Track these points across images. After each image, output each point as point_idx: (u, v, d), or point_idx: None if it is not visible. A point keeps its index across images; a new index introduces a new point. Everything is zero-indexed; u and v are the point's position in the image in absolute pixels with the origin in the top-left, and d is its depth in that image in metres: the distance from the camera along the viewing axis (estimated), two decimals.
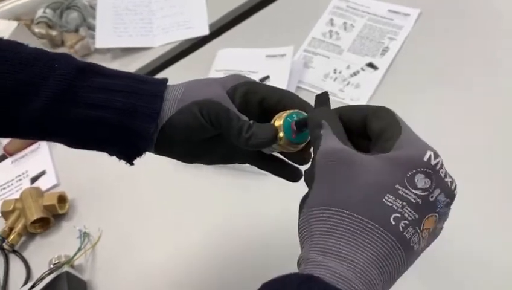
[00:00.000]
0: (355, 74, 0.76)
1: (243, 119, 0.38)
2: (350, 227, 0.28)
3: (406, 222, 0.28)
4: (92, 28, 0.95)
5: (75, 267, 0.64)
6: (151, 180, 0.71)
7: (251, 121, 0.38)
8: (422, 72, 0.73)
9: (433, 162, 0.28)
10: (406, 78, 0.73)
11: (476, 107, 0.67)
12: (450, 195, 0.29)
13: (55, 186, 0.75)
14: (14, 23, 0.83)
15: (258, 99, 0.40)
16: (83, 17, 0.95)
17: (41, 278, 0.60)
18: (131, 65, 0.88)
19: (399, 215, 0.28)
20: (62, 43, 0.95)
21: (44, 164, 0.78)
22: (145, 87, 0.39)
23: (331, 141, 0.31)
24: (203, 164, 0.44)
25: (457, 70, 0.72)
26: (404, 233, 0.28)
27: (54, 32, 0.95)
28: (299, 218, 0.31)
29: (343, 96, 0.74)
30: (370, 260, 0.27)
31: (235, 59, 0.82)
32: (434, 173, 0.29)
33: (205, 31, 0.91)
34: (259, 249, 0.60)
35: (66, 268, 0.61)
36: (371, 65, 0.76)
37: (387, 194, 0.28)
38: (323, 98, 0.35)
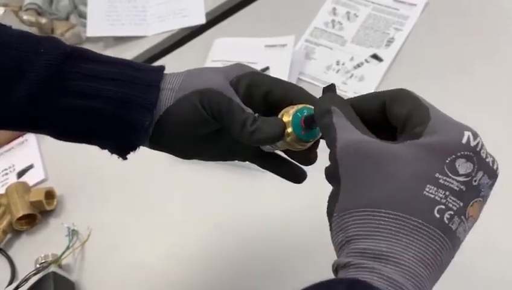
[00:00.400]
0: (359, 65, 0.74)
1: (247, 112, 0.36)
2: (392, 227, 0.26)
3: (451, 212, 0.26)
4: (83, 15, 0.92)
5: (62, 267, 0.63)
6: (144, 176, 0.69)
7: (256, 114, 0.36)
8: (429, 64, 0.71)
9: (472, 143, 0.27)
10: (412, 70, 0.71)
11: (484, 98, 0.65)
12: (493, 175, 0.28)
13: (42, 181, 0.73)
14: (1, 9, 0.80)
15: (262, 93, 0.38)
16: (74, 5, 0.93)
17: (26, 279, 0.58)
18: (123, 55, 0.86)
19: (443, 207, 0.26)
20: (52, 32, 0.92)
21: (32, 157, 0.76)
22: (140, 76, 0.37)
23: (349, 132, 0.29)
24: (202, 160, 0.43)
25: (465, 62, 0.70)
26: (450, 225, 0.26)
27: (43, 20, 0.91)
28: (331, 223, 0.29)
29: (346, 89, 0.72)
30: (418, 259, 0.26)
31: (233, 49, 0.80)
32: (475, 155, 0.27)
33: (202, 20, 0.89)
34: (259, 251, 0.59)
35: (52, 268, 0.59)
36: (375, 57, 0.74)
37: (428, 185, 0.26)
38: (330, 90, 0.33)
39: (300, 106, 0.36)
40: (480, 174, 0.27)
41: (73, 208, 0.69)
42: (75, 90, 0.36)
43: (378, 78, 0.71)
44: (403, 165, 0.27)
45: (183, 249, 0.61)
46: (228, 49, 0.80)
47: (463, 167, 0.26)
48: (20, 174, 0.75)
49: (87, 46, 0.88)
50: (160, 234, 0.63)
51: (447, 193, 0.26)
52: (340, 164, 0.28)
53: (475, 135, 0.27)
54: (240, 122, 0.35)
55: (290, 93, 0.37)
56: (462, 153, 0.27)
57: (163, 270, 0.60)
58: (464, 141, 0.27)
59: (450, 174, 0.26)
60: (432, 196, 0.26)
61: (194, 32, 0.89)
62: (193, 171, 0.65)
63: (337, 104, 0.30)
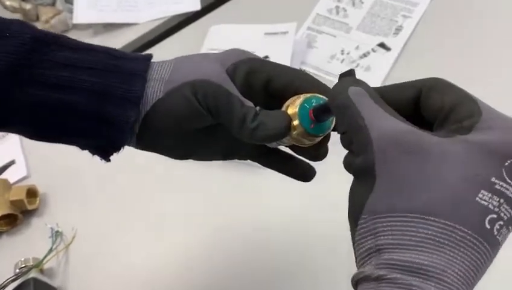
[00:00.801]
0: (365, 55, 0.71)
1: (247, 105, 0.33)
2: (436, 237, 0.23)
3: (501, 222, 0.24)
4: (69, 1, 0.89)
5: (44, 272, 0.60)
6: (136, 172, 0.66)
7: (257, 108, 0.33)
8: (440, 53, 0.68)
9: None
10: (423, 60, 0.68)
11: (504, 88, 0.61)
12: None
13: (24, 178, 0.71)
14: None
15: (263, 81, 0.34)
16: None
17: (3, 286, 0.56)
18: (113, 43, 0.82)
19: (495, 216, 0.23)
20: (37, 18, 0.90)
21: (14, 152, 0.73)
22: (122, 64, 0.34)
23: (383, 119, 0.25)
24: (197, 160, 0.40)
25: (478, 50, 0.66)
26: (498, 236, 0.24)
27: (27, 6, 0.90)
28: (357, 226, 0.26)
29: None
30: (461, 276, 0.23)
31: (230, 37, 0.77)
32: None
33: (196, 6, 0.86)
34: (260, 254, 0.56)
35: (33, 273, 0.57)
36: (382, 45, 0.71)
37: (482, 191, 0.23)
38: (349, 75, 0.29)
39: (307, 95, 0.32)
40: None
41: (58, 207, 0.66)
42: (46, 82, 0.33)
43: (386, 68, 0.68)
44: (453, 164, 0.24)
45: (178, 252, 0.58)
46: (225, 37, 0.77)
47: None
48: (1, 170, 0.72)
49: (74, 33, 0.88)
50: (152, 235, 0.61)
51: (502, 201, 0.23)
52: (377, 157, 0.25)
53: None
54: (240, 118, 0.32)
55: (294, 80, 0.34)
56: None
57: (155, 275, 0.57)
58: None
59: (508, 180, 0.23)
60: (486, 203, 0.23)
61: (188, 19, 0.86)
62: (188, 168, 0.60)
63: (361, 87, 0.27)
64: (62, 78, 0.33)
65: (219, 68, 0.34)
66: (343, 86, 0.27)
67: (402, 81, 0.29)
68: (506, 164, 0.23)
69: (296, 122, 0.31)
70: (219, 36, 0.78)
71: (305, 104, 0.31)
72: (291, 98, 0.33)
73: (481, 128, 0.24)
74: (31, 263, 0.58)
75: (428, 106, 0.27)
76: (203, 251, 0.58)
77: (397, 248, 0.24)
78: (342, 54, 0.72)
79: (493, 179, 0.23)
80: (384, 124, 0.25)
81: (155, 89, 0.34)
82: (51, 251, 0.60)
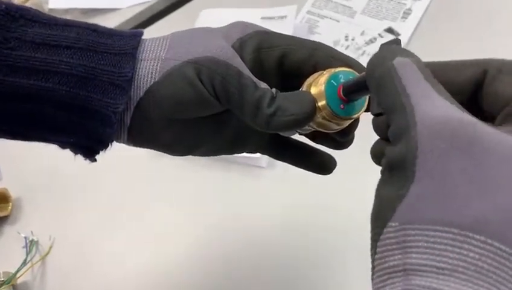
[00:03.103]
0: (371, 41, 0.68)
1: (261, 87, 0.29)
2: (484, 262, 0.19)
3: None
4: None
5: (17, 287, 0.57)
6: (119, 174, 0.63)
7: (273, 90, 0.29)
8: (453, 37, 0.65)
9: None
10: (434, 46, 0.65)
11: None
12: None
13: None
14: None
15: (277, 57, 0.31)
16: None
17: None
18: None
19: None
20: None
21: None
22: (108, 42, 0.30)
23: (434, 102, 0.20)
24: (199, 155, 0.36)
25: (493, 34, 0.64)
26: None
27: None
28: (381, 234, 0.21)
29: None
30: None
31: (223, 22, 0.72)
32: None
33: None
34: (259, 258, 0.54)
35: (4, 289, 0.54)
36: (390, 31, 0.68)
37: None
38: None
39: (332, 70, 0.28)
40: None
41: (32, 213, 0.63)
42: (14, 65, 0.29)
43: None
44: None
45: (166, 262, 0.55)
46: (217, 22, 0.72)
47: None
48: None
49: None
50: (139, 243, 0.58)
51: None
52: (421, 149, 0.19)
53: None
54: (253, 103, 0.28)
55: (313, 54, 0.30)
56: None
57: (141, 288, 0.54)
58: None
59: None
60: None
61: (176, 3, 0.84)
62: (178, 166, 0.60)
63: (408, 57, 0.22)
64: (34, 61, 0.29)
65: (225, 44, 0.30)
66: (386, 55, 0.22)
67: None
68: None
69: (321, 103, 0.28)
70: (211, 21, 0.73)
71: (332, 81, 0.27)
72: (311, 76, 0.29)
73: None
74: (2, 278, 0.54)
75: (495, 93, 0.22)
76: (191, 262, 0.55)
77: (434, 273, 0.19)
78: (346, 40, 0.69)
79: None
80: (434, 108, 0.20)
81: (149, 70, 0.30)
82: (25, 263, 0.56)
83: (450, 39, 0.65)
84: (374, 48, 0.66)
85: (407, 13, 0.69)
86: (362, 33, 0.69)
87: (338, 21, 0.71)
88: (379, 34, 0.68)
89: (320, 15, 0.72)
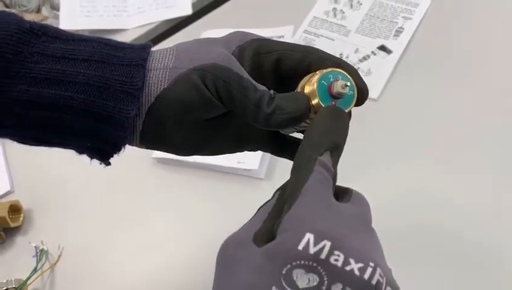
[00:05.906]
0: (365, 58, 0.68)
1: (261, 89, 0.31)
2: None
3: None
4: (55, 7, 0.88)
5: None
6: (125, 185, 0.64)
7: (271, 91, 0.32)
8: (443, 55, 0.66)
9: (312, 250, 0.23)
10: (425, 62, 0.66)
11: (503, 93, 0.59)
12: (367, 286, 0.22)
13: (8, 193, 0.68)
14: None
15: (273, 61, 0.33)
16: None
17: None
18: None
19: None
20: None
21: None
22: (120, 54, 0.32)
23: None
24: (205, 155, 0.38)
25: (483, 53, 0.64)
26: None
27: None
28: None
29: None
30: None
31: None
32: (320, 264, 0.22)
33: (188, 11, 0.85)
34: None
35: None
36: (383, 48, 0.69)
37: None
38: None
39: (323, 71, 0.30)
40: (337, 287, 0.22)
41: (43, 224, 0.64)
42: (37, 76, 0.30)
43: (388, 71, 0.65)
44: (243, 271, 0.24)
45: (171, 270, 0.56)
46: None
47: (302, 279, 0.22)
48: None
49: None
50: (145, 252, 0.58)
51: None
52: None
53: (319, 237, 0.23)
54: (254, 103, 0.31)
55: (306, 57, 0.32)
56: (299, 262, 0.22)
57: None
58: (301, 246, 0.23)
59: (287, 288, 0.22)
60: None
61: (180, 24, 0.86)
62: (182, 178, 0.61)
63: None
64: (55, 73, 0.30)
65: (226, 52, 0.32)
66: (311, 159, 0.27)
67: (405, 84, 0.27)
68: (283, 271, 0.22)
69: (315, 102, 0.30)
70: None
71: (323, 81, 0.30)
72: (305, 78, 0.31)
73: (282, 230, 0.24)
74: (14, 285, 0.55)
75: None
76: (197, 271, 0.55)
77: None
78: (341, 57, 0.69)
79: (274, 288, 0.22)
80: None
81: (159, 78, 0.32)
82: (35, 271, 0.57)
83: (440, 55, 0.66)
84: (368, 65, 0.67)
85: (399, 31, 0.69)
86: (356, 51, 0.69)
87: (333, 40, 0.72)
88: (372, 52, 0.68)
89: (316, 34, 0.73)
